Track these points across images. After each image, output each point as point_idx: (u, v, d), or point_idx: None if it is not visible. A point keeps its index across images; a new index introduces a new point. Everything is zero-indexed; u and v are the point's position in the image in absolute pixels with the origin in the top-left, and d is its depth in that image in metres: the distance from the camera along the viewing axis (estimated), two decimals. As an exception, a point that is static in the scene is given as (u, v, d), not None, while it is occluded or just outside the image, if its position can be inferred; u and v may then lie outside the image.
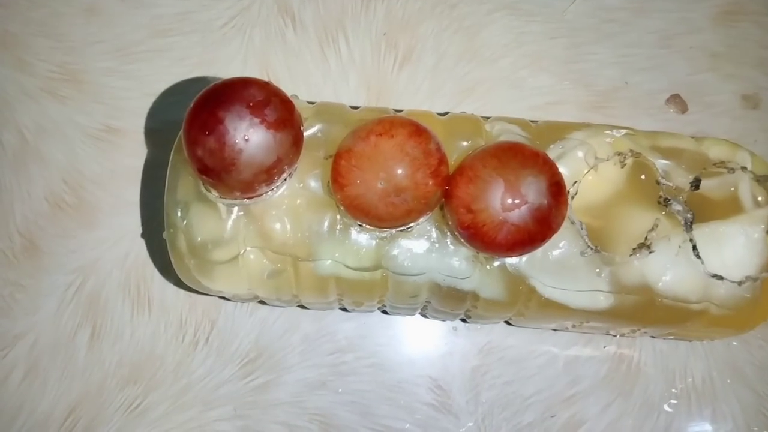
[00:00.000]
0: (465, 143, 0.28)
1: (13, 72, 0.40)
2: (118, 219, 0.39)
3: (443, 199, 0.26)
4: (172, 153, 0.30)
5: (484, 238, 0.24)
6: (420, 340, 0.37)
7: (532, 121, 0.31)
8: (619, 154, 0.29)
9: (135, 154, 0.39)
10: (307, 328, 0.37)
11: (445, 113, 0.32)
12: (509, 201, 0.24)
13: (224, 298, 0.36)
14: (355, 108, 0.31)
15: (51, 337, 0.37)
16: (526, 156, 0.24)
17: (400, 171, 0.24)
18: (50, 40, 0.41)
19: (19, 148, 0.40)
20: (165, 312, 0.38)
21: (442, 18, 0.41)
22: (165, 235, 0.29)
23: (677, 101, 0.39)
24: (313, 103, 0.31)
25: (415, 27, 0.40)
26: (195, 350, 0.37)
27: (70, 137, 0.40)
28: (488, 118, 0.31)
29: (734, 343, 0.36)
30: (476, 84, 0.40)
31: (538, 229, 0.24)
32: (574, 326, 0.32)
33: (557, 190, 0.24)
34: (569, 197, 0.28)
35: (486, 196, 0.24)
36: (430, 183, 0.24)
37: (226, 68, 0.40)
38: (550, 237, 0.25)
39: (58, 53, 0.41)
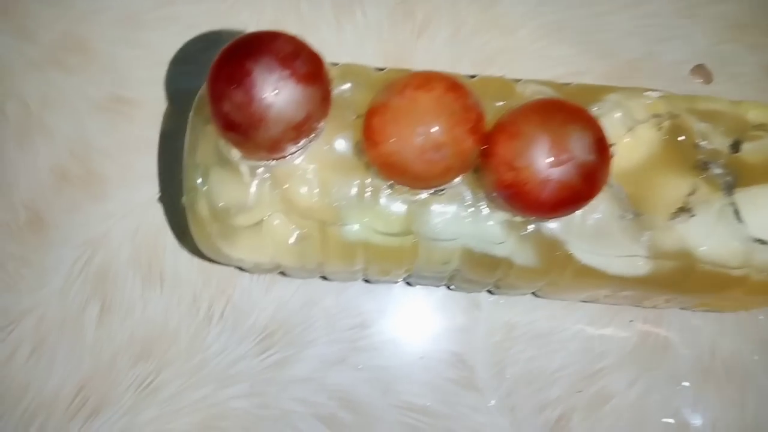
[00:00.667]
0: (499, 104, 0.27)
1: (16, 41, 0.39)
2: (127, 191, 0.37)
3: (479, 160, 0.25)
4: (191, 114, 0.28)
5: (526, 198, 0.23)
6: (442, 316, 0.36)
7: (563, 84, 0.30)
8: (656, 116, 0.28)
9: (145, 124, 0.38)
10: (325, 303, 0.36)
11: (473, 76, 0.31)
12: (554, 157, 0.22)
13: (241, 269, 0.35)
14: (380, 70, 0.30)
15: (58, 312, 0.36)
16: (569, 112, 0.23)
17: (439, 125, 0.23)
18: (55, 9, 0.40)
19: (24, 119, 0.38)
20: (177, 286, 0.36)
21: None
22: (184, 200, 0.28)
23: (702, 71, 0.38)
24: (336, 64, 0.30)
25: (435, -6, 0.39)
26: (209, 326, 0.36)
27: (77, 108, 0.38)
28: (518, 80, 0.30)
29: (761, 317, 0.36)
30: (495, 54, 0.39)
31: (584, 187, 0.23)
32: (606, 296, 0.31)
33: (602, 146, 0.23)
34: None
35: (529, 152, 0.23)
36: (470, 139, 0.23)
37: (236, 37, 0.39)
38: (595, 196, 0.24)
39: (63, 21, 0.39)
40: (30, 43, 0.39)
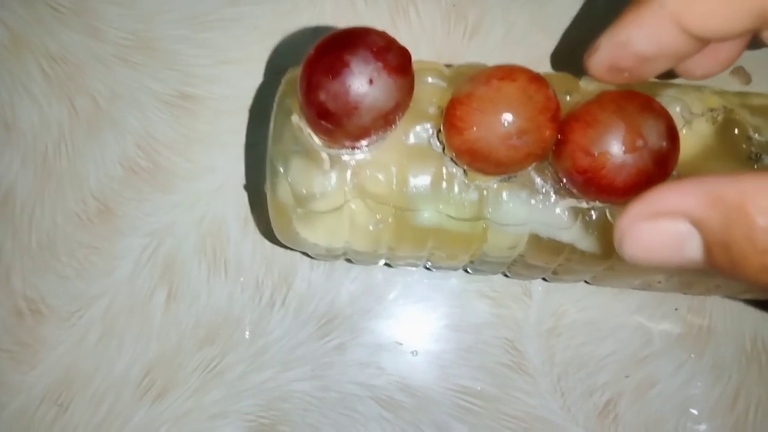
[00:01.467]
0: (567, 97, 0.29)
1: (85, 38, 0.41)
2: (192, 183, 0.39)
3: (551, 148, 0.27)
4: (274, 106, 0.30)
5: (602, 182, 0.25)
6: (495, 303, 0.38)
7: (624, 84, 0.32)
8: (711, 110, 0.30)
9: (209, 120, 0.40)
10: (383, 291, 0.38)
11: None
12: (630, 143, 0.24)
13: (307, 255, 0.37)
14: (449, 66, 0.32)
15: (126, 298, 0.38)
16: (643, 101, 0.25)
17: (523, 113, 0.25)
18: (121, 8, 0.41)
19: (93, 113, 0.40)
20: (241, 274, 0.38)
21: (511, -11, 0.42)
22: (266, 186, 0.30)
23: (741, 73, 0.40)
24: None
25: (484, -2, 0.41)
26: (272, 312, 0.38)
27: (143, 103, 0.40)
28: (582, 77, 0.32)
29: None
30: (545, 54, 0.41)
31: (657, 172, 0.25)
32: (659, 282, 0.33)
33: (673, 133, 0.25)
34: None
35: (606, 139, 0.24)
36: (550, 127, 0.25)
37: (297, 38, 0.41)
38: (665, 180, 0.25)
39: (129, 21, 0.41)
40: (98, 41, 0.41)
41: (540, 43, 0.41)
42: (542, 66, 0.40)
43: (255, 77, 0.40)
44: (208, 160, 0.39)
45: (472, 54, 0.40)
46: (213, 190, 0.39)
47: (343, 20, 0.41)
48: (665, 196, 0.20)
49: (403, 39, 0.41)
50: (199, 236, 0.38)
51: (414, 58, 0.40)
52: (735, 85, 0.40)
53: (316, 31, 0.41)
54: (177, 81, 0.40)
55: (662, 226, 0.20)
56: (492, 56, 0.41)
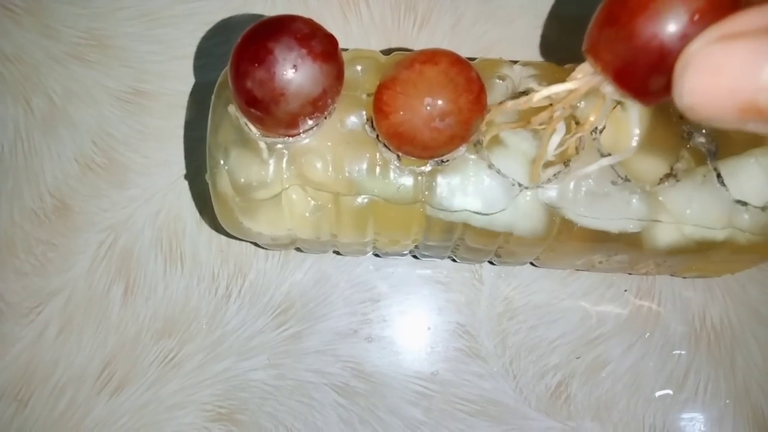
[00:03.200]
0: (499, 81, 0.29)
1: (40, 38, 0.41)
2: (148, 178, 0.39)
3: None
4: (212, 98, 0.31)
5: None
6: (447, 289, 0.38)
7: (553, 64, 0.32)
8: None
9: (163, 115, 0.40)
10: (337, 279, 0.38)
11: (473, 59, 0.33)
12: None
13: (258, 246, 0.37)
14: (387, 53, 0.32)
15: (84, 293, 0.38)
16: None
17: (445, 95, 0.25)
18: (75, 7, 0.42)
19: (48, 111, 0.40)
20: (197, 266, 0.38)
21: (459, -20, 0.42)
22: (207, 177, 0.30)
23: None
24: (345, 50, 0.32)
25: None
26: (228, 303, 0.38)
27: (98, 100, 0.40)
28: (515, 62, 0.32)
29: (749, 284, 0.38)
30: (493, 44, 0.41)
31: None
32: (600, 262, 0.33)
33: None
34: (598, 131, 0.29)
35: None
36: (473, 109, 0.26)
37: (249, 32, 0.41)
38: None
39: (83, 19, 0.42)
40: (53, 40, 0.41)
41: (489, 32, 0.41)
42: (491, 54, 0.41)
43: (208, 72, 0.41)
44: (163, 155, 0.40)
45: (423, 44, 0.41)
46: (168, 185, 0.39)
47: (294, 10, 0.41)
48: (746, 16, 0.16)
49: (353, 32, 0.42)
50: (155, 230, 0.39)
51: (363, 46, 0.41)
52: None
53: (268, 25, 0.41)
54: (131, 78, 0.41)
55: (740, 44, 0.16)
56: (442, 45, 0.41)
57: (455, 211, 0.29)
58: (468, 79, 0.25)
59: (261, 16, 0.41)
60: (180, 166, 0.39)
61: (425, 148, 0.26)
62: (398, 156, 0.28)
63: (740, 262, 0.33)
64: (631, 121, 0.29)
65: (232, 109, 0.29)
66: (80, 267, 0.39)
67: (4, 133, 0.40)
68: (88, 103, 0.40)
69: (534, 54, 0.41)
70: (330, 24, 0.41)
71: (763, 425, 0.36)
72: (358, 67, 0.30)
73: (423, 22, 0.41)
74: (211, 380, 0.37)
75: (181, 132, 0.40)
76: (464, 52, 0.41)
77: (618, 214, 0.29)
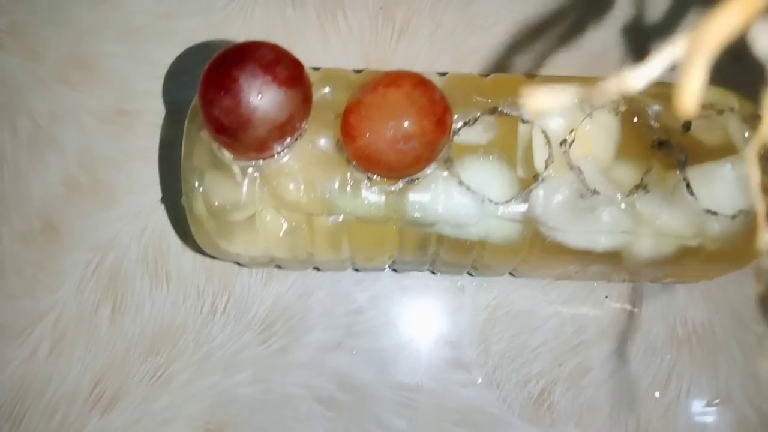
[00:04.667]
0: (477, 98, 0.29)
1: (23, 60, 0.42)
2: (133, 197, 0.40)
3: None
4: (186, 122, 0.31)
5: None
6: (429, 300, 0.38)
7: (529, 76, 0.32)
8: (612, 101, 0.30)
9: (147, 134, 0.41)
10: (320, 293, 0.38)
11: (444, 73, 0.33)
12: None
13: (240, 264, 0.38)
14: (359, 72, 0.32)
15: (74, 312, 0.39)
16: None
17: (407, 119, 0.25)
18: (57, 28, 0.42)
19: (33, 133, 0.41)
20: (183, 284, 0.39)
21: (436, -11, 0.42)
22: (183, 201, 0.31)
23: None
24: (318, 69, 0.33)
25: (410, -1, 0.42)
26: (214, 319, 0.38)
27: (82, 121, 0.41)
28: (488, 75, 0.32)
29: (730, 287, 0.38)
30: (472, 51, 0.41)
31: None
32: (576, 272, 0.33)
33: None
34: (567, 145, 0.29)
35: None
36: (437, 130, 0.26)
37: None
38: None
39: (65, 40, 0.42)
40: (36, 62, 0.42)
41: (466, 41, 0.41)
42: (470, 62, 0.41)
43: (190, 90, 0.41)
44: (147, 174, 0.40)
45: (401, 54, 0.41)
46: (152, 204, 0.40)
47: (272, 27, 0.42)
48: None
49: (332, 43, 0.42)
50: (140, 249, 0.39)
51: (343, 61, 0.41)
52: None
53: (247, 39, 0.42)
54: (114, 98, 0.41)
55: None
56: (420, 55, 0.41)
57: (426, 228, 0.30)
58: (431, 101, 0.26)
59: (239, 32, 0.41)
60: (164, 185, 0.40)
61: (392, 169, 0.27)
62: (368, 176, 0.29)
63: (714, 270, 0.33)
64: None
65: (205, 134, 0.29)
66: (69, 287, 0.39)
67: (-9, 156, 0.41)
68: (72, 125, 0.41)
69: (510, 61, 0.41)
70: (308, 36, 0.42)
71: (746, 427, 0.36)
72: (327, 89, 0.30)
73: (401, 32, 0.42)
74: (200, 395, 0.38)
75: (164, 151, 0.40)
76: (443, 61, 0.41)
77: (588, 227, 0.29)
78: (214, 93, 0.26)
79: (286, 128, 0.27)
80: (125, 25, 0.42)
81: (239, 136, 0.26)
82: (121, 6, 0.42)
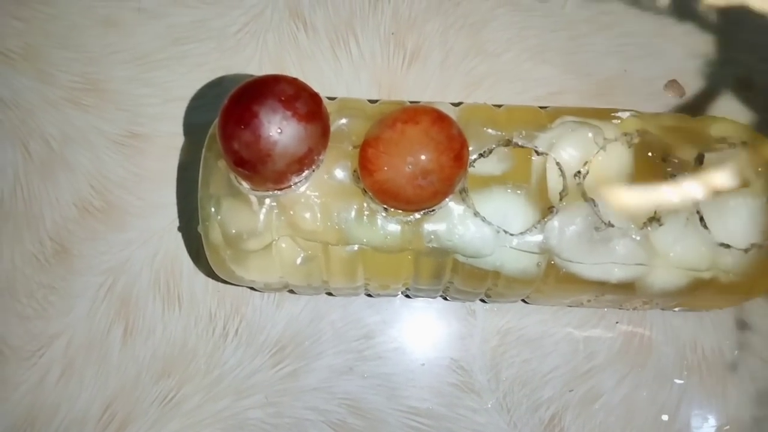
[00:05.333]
0: (490, 130, 0.30)
1: (36, 83, 0.42)
2: (145, 220, 0.40)
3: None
4: (203, 150, 0.31)
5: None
6: (440, 324, 0.39)
7: (541, 107, 0.33)
8: (626, 134, 0.30)
9: (159, 157, 0.41)
10: (332, 317, 0.39)
11: (459, 103, 0.34)
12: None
13: (253, 289, 0.38)
14: (373, 102, 0.33)
15: (85, 336, 0.39)
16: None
17: (426, 155, 0.26)
18: (70, 52, 0.43)
19: (46, 156, 0.41)
20: (195, 307, 0.39)
21: (447, 16, 0.43)
22: (200, 228, 0.31)
23: (675, 86, 0.41)
24: (333, 98, 0.33)
25: (421, 25, 0.42)
26: (225, 342, 0.39)
27: (94, 144, 0.41)
28: (501, 106, 0.33)
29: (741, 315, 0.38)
30: (482, 78, 0.42)
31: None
32: (589, 301, 0.34)
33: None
34: (581, 176, 0.29)
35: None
36: (454, 165, 0.26)
37: (242, 73, 0.42)
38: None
39: (78, 64, 0.42)
40: (48, 85, 0.42)
41: (478, 66, 0.42)
42: (480, 88, 0.41)
43: (201, 113, 0.41)
44: (159, 197, 0.40)
45: (412, 80, 0.41)
46: (165, 227, 0.40)
47: (284, 53, 0.42)
48: None
49: (344, 69, 0.42)
50: (152, 272, 0.40)
51: (354, 86, 0.41)
52: (669, 97, 0.41)
53: (260, 64, 0.42)
54: (126, 121, 0.41)
55: None
56: (431, 81, 0.42)
57: (441, 258, 0.30)
58: (449, 137, 0.26)
59: (251, 58, 0.42)
60: (176, 209, 0.40)
61: (409, 202, 0.27)
62: (385, 208, 0.29)
63: (727, 301, 0.33)
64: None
65: (222, 163, 0.30)
66: (80, 310, 0.39)
67: (4, 178, 0.41)
68: (85, 147, 0.41)
69: (522, 87, 0.42)
70: (320, 62, 0.42)
71: (755, 454, 0.37)
72: (344, 120, 0.30)
73: (413, 59, 0.42)
74: (211, 419, 0.38)
75: (176, 174, 0.40)
76: (454, 88, 0.42)
77: (602, 258, 0.29)
78: (234, 127, 0.26)
79: (305, 161, 0.27)
80: (137, 50, 0.43)
81: (258, 169, 0.27)
82: (133, 31, 0.43)
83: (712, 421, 0.37)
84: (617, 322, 0.38)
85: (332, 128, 0.29)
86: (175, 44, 0.42)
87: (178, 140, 0.41)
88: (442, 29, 0.42)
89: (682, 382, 0.37)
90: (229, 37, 0.42)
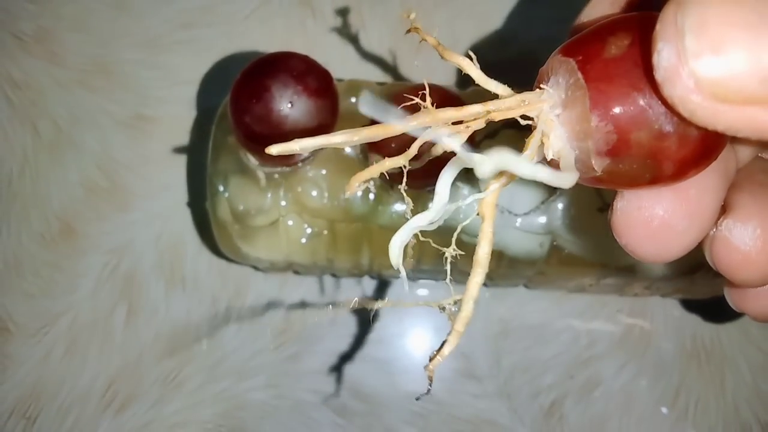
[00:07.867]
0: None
1: (47, 65, 0.42)
2: (150, 202, 0.40)
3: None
4: (213, 127, 0.32)
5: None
6: (441, 310, 0.39)
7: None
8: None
9: (165, 140, 0.41)
10: (333, 301, 0.39)
11: (465, 88, 0.34)
12: None
13: (256, 268, 0.38)
14: (382, 84, 0.33)
15: (89, 314, 0.39)
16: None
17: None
18: (81, 35, 0.43)
19: (54, 136, 0.41)
20: (198, 288, 0.39)
21: (456, 3, 0.43)
22: (208, 204, 0.31)
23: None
24: (342, 80, 0.33)
25: (431, 12, 0.43)
26: (227, 324, 0.39)
27: (102, 125, 0.42)
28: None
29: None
30: (490, 66, 0.42)
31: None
32: (591, 285, 0.34)
33: None
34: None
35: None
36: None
37: (250, 58, 0.42)
38: None
39: (88, 46, 0.43)
40: (59, 67, 0.42)
41: (485, 55, 0.42)
42: (487, 75, 0.42)
43: (209, 97, 0.42)
44: (165, 179, 0.41)
45: (420, 66, 0.42)
46: (170, 208, 0.40)
47: (292, 38, 0.42)
48: None
49: (351, 55, 0.43)
50: (157, 253, 0.40)
51: (362, 73, 0.42)
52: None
53: (268, 50, 0.42)
54: (134, 103, 0.42)
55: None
56: (438, 68, 0.42)
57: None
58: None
59: (259, 42, 0.42)
60: (181, 190, 0.40)
61: (416, 178, 0.27)
62: (391, 185, 0.29)
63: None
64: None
65: (232, 139, 0.30)
66: (85, 289, 0.40)
67: (13, 157, 0.41)
68: (93, 128, 0.41)
69: (529, 77, 0.42)
70: (328, 47, 0.42)
71: (753, 444, 0.37)
72: (353, 99, 0.31)
73: (421, 44, 0.42)
74: (212, 400, 0.38)
75: (182, 156, 0.41)
76: (460, 75, 0.42)
77: (605, 240, 0.30)
78: (247, 101, 0.26)
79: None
80: (146, 34, 0.43)
81: (269, 143, 0.27)
82: (143, 15, 0.43)
83: (709, 410, 0.37)
84: (618, 311, 0.38)
85: (341, 107, 0.30)
86: (185, 28, 0.43)
87: (185, 123, 0.41)
88: (450, 16, 0.43)
89: (680, 371, 0.38)
90: (238, 23, 0.43)
